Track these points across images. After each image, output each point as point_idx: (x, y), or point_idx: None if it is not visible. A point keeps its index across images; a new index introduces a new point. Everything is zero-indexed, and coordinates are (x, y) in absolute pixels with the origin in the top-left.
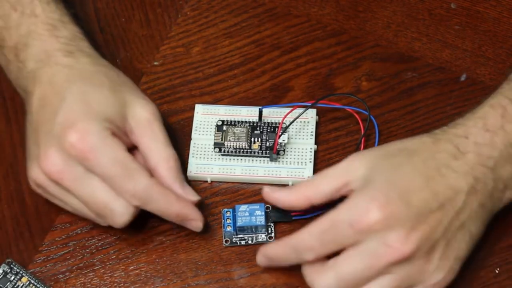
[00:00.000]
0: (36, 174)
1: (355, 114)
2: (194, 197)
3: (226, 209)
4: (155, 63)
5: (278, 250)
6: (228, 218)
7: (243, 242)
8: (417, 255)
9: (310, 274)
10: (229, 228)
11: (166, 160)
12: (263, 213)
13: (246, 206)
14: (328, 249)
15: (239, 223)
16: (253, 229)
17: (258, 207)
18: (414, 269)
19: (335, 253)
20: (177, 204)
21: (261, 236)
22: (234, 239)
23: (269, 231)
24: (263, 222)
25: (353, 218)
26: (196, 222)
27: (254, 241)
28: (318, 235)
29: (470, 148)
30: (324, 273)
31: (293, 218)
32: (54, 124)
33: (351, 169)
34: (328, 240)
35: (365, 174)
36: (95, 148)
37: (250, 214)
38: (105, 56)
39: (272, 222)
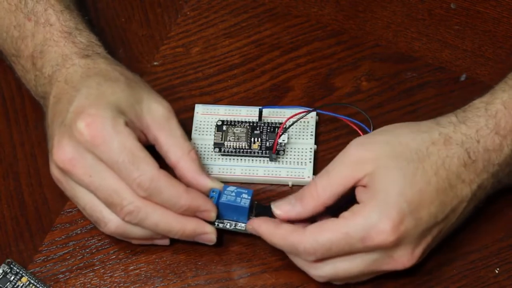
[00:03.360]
0: (52, 169)
1: (356, 129)
2: (220, 185)
3: (214, 189)
4: (155, 63)
5: (273, 238)
6: (212, 197)
7: (220, 225)
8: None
9: (303, 262)
10: None
11: (187, 153)
12: (249, 197)
13: (235, 187)
14: (330, 255)
15: (223, 199)
16: (235, 216)
17: (246, 191)
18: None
19: None
20: (187, 195)
21: (240, 225)
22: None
23: None
24: (247, 205)
25: (366, 236)
26: (209, 235)
27: (232, 227)
28: (326, 244)
29: (480, 155)
30: (322, 265)
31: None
32: (67, 113)
33: (360, 165)
34: (336, 250)
35: (374, 171)
36: (103, 133)
37: (236, 195)
38: None
39: (255, 215)
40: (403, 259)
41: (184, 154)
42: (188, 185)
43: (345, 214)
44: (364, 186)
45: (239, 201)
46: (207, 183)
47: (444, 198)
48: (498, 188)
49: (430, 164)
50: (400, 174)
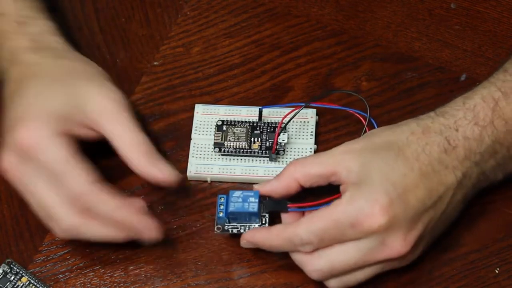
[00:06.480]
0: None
1: (356, 114)
2: (177, 177)
3: (220, 195)
4: (155, 63)
5: (270, 241)
6: (221, 204)
7: (235, 230)
8: (410, 252)
9: (301, 256)
10: (221, 214)
11: (136, 146)
12: (257, 200)
13: (241, 192)
14: (325, 244)
15: (231, 208)
16: (247, 218)
17: (252, 194)
18: (401, 262)
19: None
20: (120, 211)
21: (254, 225)
22: (226, 226)
23: (263, 221)
24: (255, 209)
25: (355, 221)
26: (153, 232)
27: (246, 230)
28: (318, 233)
29: (460, 142)
30: (317, 258)
31: (289, 210)
32: (9, 120)
33: (339, 159)
34: (328, 238)
35: (355, 167)
36: (38, 146)
37: (244, 200)
38: (105, 56)
39: (266, 212)
40: (396, 244)
41: (133, 147)
42: (142, 177)
43: (336, 202)
44: (346, 183)
45: (247, 207)
46: (157, 176)
47: (429, 183)
48: (485, 183)
49: (410, 152)
50: (382, 162)
